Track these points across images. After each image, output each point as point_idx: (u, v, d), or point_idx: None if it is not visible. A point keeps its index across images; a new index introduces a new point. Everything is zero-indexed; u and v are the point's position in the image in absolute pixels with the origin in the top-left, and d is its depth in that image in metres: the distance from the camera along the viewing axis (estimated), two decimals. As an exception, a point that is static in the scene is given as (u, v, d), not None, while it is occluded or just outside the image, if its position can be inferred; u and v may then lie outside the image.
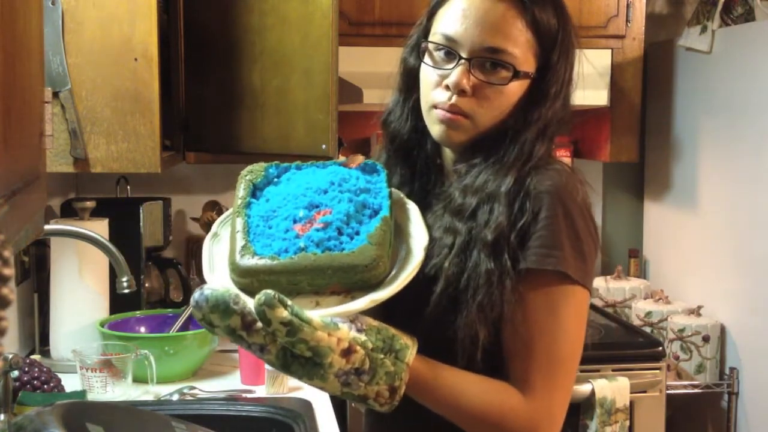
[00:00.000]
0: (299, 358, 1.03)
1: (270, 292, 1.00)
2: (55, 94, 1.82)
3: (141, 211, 2.42)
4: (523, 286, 1.15)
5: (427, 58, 1.25)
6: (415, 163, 1.32)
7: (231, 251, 1.10)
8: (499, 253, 1.15)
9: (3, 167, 0.75)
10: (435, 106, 1.22)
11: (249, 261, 1.07)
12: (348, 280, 1.08)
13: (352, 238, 1.11)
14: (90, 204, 2.23)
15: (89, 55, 1.85)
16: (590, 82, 2.74)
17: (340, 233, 1.11)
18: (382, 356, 1.06)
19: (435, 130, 1.24)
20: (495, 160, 1.21)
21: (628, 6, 2.75)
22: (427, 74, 1.25)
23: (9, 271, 0.59)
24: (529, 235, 1.16)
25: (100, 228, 2.17)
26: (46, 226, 1.83)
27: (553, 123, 1.24)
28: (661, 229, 3.07)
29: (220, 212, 2.71)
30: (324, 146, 1.99)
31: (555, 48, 1.23)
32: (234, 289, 1.04)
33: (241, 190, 1.17)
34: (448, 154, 1.30)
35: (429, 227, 1.20)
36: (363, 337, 1.05)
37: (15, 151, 0.83)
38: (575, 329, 1.18)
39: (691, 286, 2.85)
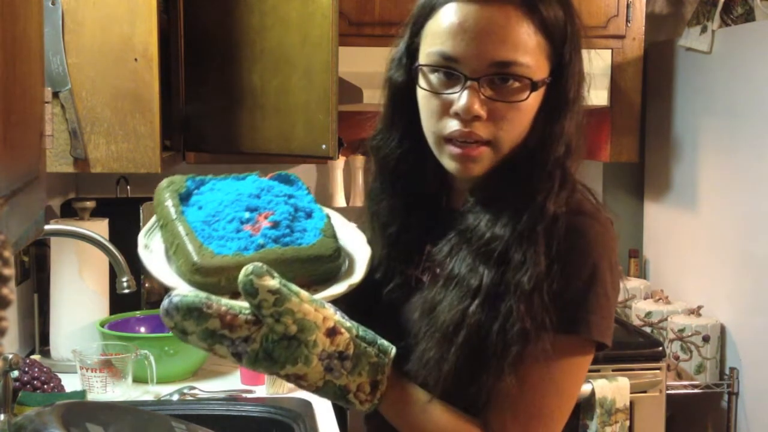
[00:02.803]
0: (282, 340, 0.99)
1: (258, 263, 0.99)
2: (55, 94, 1.82)
3: (141, 211, 2.42)
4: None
5: (422, 82, 1.10)
6: (413, 190, 1.20)
7: (185, 255, 1.07)
8: (536, 305, 1.03)
9: (3, 167, 0.75)
10: (446, 139, 1.08)
11: (214, 260, 1.06)
12: (314, 272, 1.09)
13: (302, 235, 1.12)
14: (90, 204, 2.23)
15: (89, 55, 1.85)
16: (590, 82, 2.77)
17: (292, 231, 1.12)
18: (365, 345, 1.03)
19: (451, 166, 1.10)
20: (524, 189, 1.08)
21: (628, 6, 2.75)
22: (428, 102, 1.10)
23: (9, 271, 0.58)
24: (559, 291, 1.04)
25: (100, 228, 2.17)
26: (46, 226, 1.83)
27: (576, 133, 1.11)
28: (661, 229, 3.07)
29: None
30: (324, 146, 1.99)
31: (566, 44, 1.10)
32: (202, 293, 1.02)
33: (170, 200, 1.14)
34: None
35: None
36: (348, 323, 1.03)
37: (15, 151, 0.83)
38: (573, 390, 1.10)
39: (691, 286, 2.85)
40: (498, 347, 1.03)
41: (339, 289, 1.08)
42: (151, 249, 1.15)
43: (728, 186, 2.64)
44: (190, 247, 1.07)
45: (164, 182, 1.19)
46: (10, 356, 1.54)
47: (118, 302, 2.24)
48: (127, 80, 1.86)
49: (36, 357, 2.19)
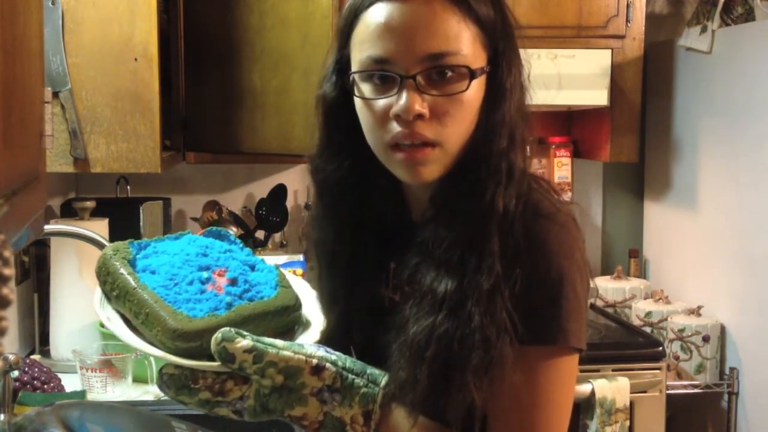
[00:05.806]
0: (273, 393, 1.00)
1: (224, 329, 0.99)
2: (55, 94, 1.82)
3: (141, 211, 2.42)
4: (519, 358, 1.00)
5: (358, 91, 1.05)
6: (361, 210, 1.14)
7: (160, 322, 1.04)
8: (497, 307, 0.99)
9: (3, 167, 0.75)
10: (392, 146, 1.03)
11: (192, 324, 1.04)
12: (282, 323, 1.09)
13: (262, 288, 1.11)
14: (90, 204, 2.23)
15: (89, 55, 1.85)
16: (590, 82, 2.77)
17: (250, 286, 1.11)
18: (353, 376, 1.02)
19: (402, 173, 1.05)
20: (474, 187, 1.04)
21: (628, 6, 2.75)
22: (367, 111, 1.05)
23: (9, 271, 0.59)
24: (525, 298, 1.00)
25: (100, 228, 2.17)
26: (46, 226, 1.83)
27: (520, 123, 1.07)
28: (661, 229, 3.07)
29: (220, 212, 2.71)
30: (324, 146, 1.99)
31: (497, 35, 1.06)
32: (185, 370, 1.02)
33: (122, 269, 1.12)
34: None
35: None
36: (333, 357, 1.03)
37: (15, 151, 0.83)
38: (564, 398, 1.06)
39: (691, 286, 2.85)
40: (462, 356, 0.99)
41: (312, 336, 1.08)
42: (110, 319, 1.11)
43: (728, 186, 2.64)
44: (163, 315, 1.04)
45: (108, 251, 1.15)
46: (10, 356, 1.54)
47: (118, 302, 2.23)
48: (127, 80, 1.86)
49: (36, 357, 2.19)
